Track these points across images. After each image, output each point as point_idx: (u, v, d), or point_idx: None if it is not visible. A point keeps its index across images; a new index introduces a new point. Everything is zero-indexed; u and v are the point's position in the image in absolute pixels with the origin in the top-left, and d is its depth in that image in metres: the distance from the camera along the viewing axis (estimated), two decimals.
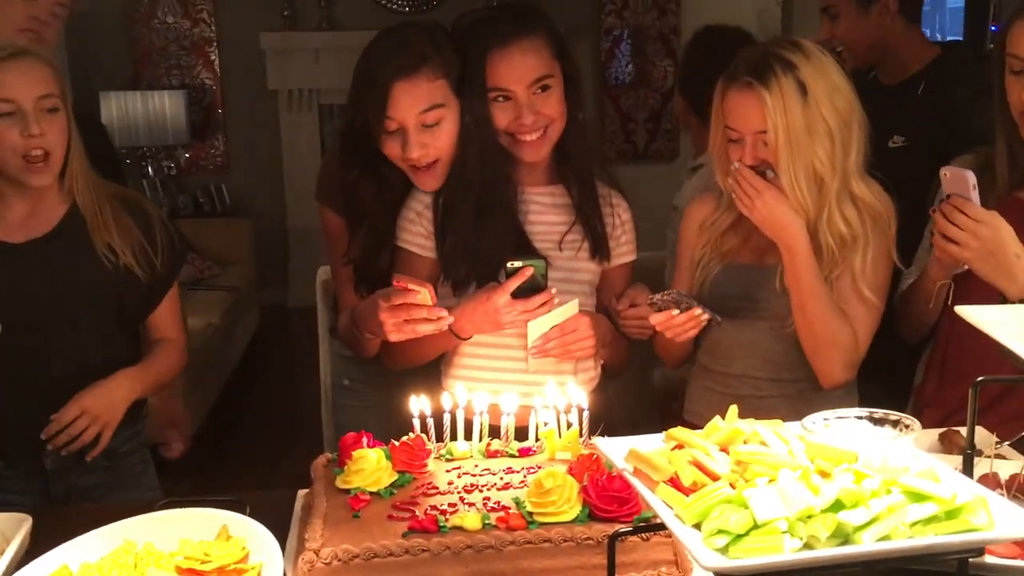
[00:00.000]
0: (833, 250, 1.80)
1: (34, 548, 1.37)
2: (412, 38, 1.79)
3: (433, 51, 1.77)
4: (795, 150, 1.73)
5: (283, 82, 6.16)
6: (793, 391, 1.90)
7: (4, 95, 1.72)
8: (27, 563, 1.30)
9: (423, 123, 1.77)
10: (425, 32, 1.82)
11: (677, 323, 1.76)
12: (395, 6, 6.17)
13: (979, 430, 1.41)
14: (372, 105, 1.76)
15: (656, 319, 1.77)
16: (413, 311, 1.68)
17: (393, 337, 1.72)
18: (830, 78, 1.77)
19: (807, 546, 0.96)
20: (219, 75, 6.27)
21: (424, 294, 1.67)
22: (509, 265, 1.70)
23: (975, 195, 1.67)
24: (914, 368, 2.11)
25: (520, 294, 1.71)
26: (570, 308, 1.81)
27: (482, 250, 1.79)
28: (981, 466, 1.41)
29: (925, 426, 1.62)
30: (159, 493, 2.05)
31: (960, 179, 1.68)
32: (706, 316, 1.75)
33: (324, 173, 2.01)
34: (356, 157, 1.86)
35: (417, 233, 1.85)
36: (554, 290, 1.73)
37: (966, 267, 1.74)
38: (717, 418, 1.17)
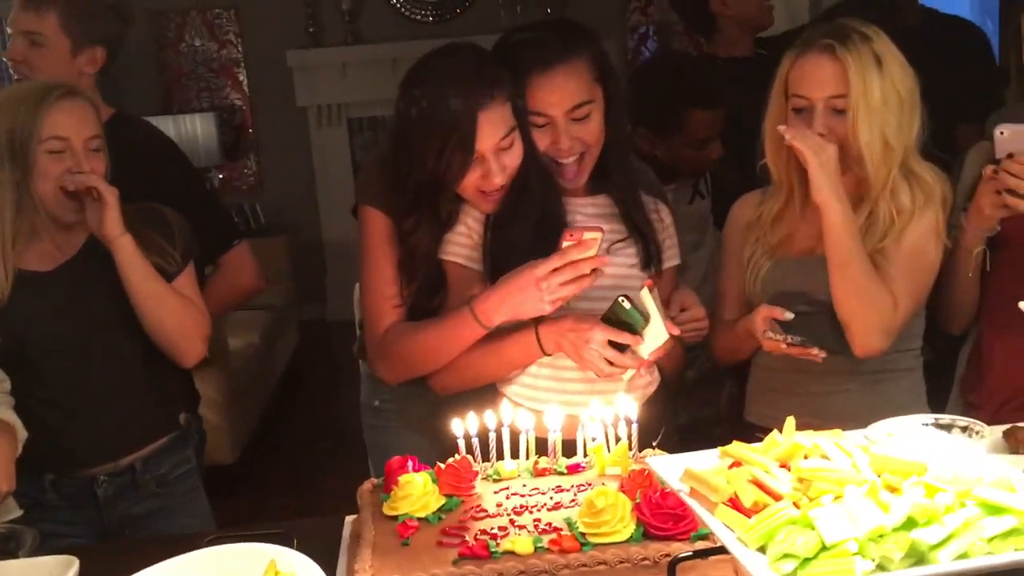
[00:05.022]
0: (892, 220, 1.79)
1: None
2: (482, 62, 1.72)
3: (500, 72, 1.71)
4: (872, 115, 1.74)
5: (311, 98, 6.18)
6: (859, 384, 1.86)
7: (57, 133, 1.78)
8: None
9: (501, 148, 1.71)
10: (484, 53, 1.76)
11: (791, 353, 1.77)
12: (419, 16, 6.16)
13: None
14: (459, 142, 1.67)
15: (769, 346, 1.78)
16: (581, 266, 1.62)
17: (551, 307, 1.65)
18: (899, 57, 1.79)
19: (880, 568, 0.91)
20: (248, 95, 6.30)
21: (598, 241, 1.63)
22: (621, 300, 1.65)
23: None
24: (952, 361, 2.08)
25: (612, 322, 1.66)
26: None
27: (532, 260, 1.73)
28: None
29: (976, 417, 1.58)
30: (210, 518, 2.07)
31: (1023, 136, 1.67)
32: (822, 355, 1.75)
33: (368, 175, 1.92)
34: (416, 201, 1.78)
35: (465, 246, 1.82)
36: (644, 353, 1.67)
37: (998, 228, 1.78)
38: (775, 432, 1.13)
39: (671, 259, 1.91)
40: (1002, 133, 1.70)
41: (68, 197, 1.81)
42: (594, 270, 1.65)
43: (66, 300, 1.86)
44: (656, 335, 1.66)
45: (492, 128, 1.68)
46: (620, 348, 1.66)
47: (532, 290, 1.64)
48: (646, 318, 1.66)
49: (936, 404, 1.96)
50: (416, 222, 1.78)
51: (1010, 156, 1.69)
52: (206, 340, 1.95)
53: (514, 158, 1.73)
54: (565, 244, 1.64)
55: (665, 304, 1.84)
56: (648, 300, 1.66)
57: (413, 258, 1.81)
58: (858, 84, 1.73)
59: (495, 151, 1.70)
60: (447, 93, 1.67)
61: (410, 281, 1.82)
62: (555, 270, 1.63)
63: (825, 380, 1.87)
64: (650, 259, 1.84)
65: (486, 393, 1.82)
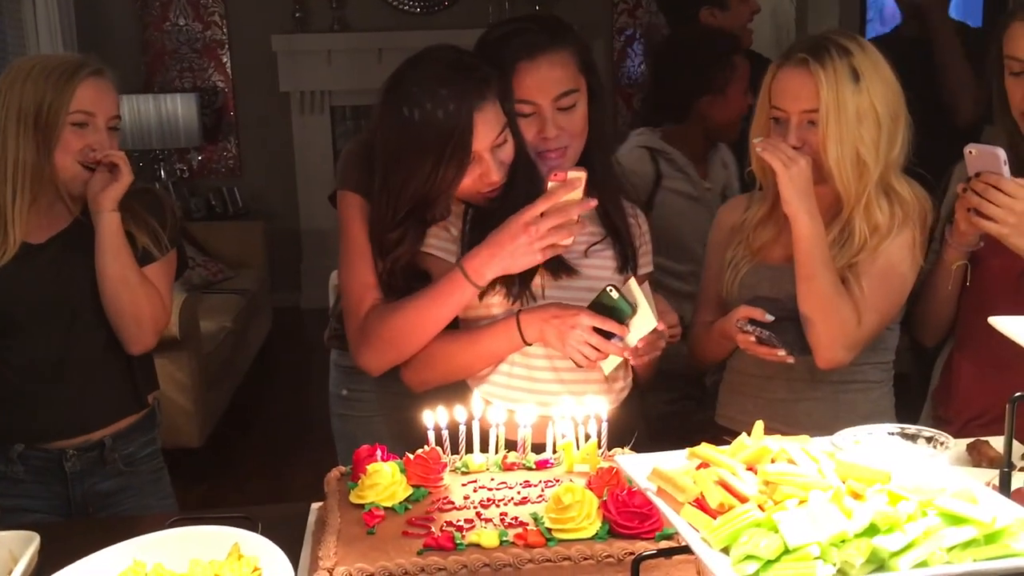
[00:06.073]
0: (866, 237, 1.79)
1: (42, 566, 1.34)
2: (468, 63, 1.70)
3: (488, 71, 1.70)
4: (843, 130, 1.73)
5: (295, 84, 6.15)
6: (827, 393, 1.88)
7: (85, 108, 1.81)
8: None
9: (496, 145, 1.70)
10: (467, 53, 1.74)
11: (759, 351, 1.78)
12: (406, 7, 6.14)
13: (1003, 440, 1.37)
14: (456, 146, 1.65)
15: (740, 340, 1.79)
16: (569, 210, 1.62)
17: (542, 255, 1.65)
18: (883, 72, 1.78)
19: (841, 573, 0.92)
20: (231, 77, 6.26)
21: (582, 180, 1.63)
22: (608, 289, 1.66)
23: (1006, 170, 1.68)
24: (926, 373, 2.10)
25: (599, 310, 1.66)
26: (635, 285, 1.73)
27: None
28: (1014, 479, 1.37)
29: (945, 431, 1.60)
30: (172, 500, 2.08)
31: (990, 156, 1.69)
32: (789, 359, 1.76)
33: (348, 160, 1.89)
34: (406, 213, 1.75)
35: (443, 239, 1.81)
36: (629, 337, 1.67)
37: (981, 244, 1.79)
38: (743, 436, 1.13)
39: (645, 266, 1.91)
40: (971, 152, 1.71)
41: (85, 169, 1.83)
42: (580, 221, 1.66)
43: (53, 271, 1.87)
44: (643, 325, 1.66)
45: (487, 128, 1.67)
46: (606, 337, 1.66)
47: (522, 238, 1.64)
48: (633, 308, 1.66)
49: (914, 417, 1.98)
50: (402, 233, 1.76)
51: (977, 175, 1.70)
52: (158, 332, 1.95)
53: (509, 153, 1.72)
54: (550, 185, 1.64)
55: None
56: (636, 290, 1.67)
57: (394, 270, 1.78)
58: (829, 99, 1.72)
59: (491, 149, 1.69)
60: (440, 99, 1.64)
61: (391, 293, 1.80)
62: (543, 215, 1.62)
63: (793, 387, 1.89)
64: (626, 262, 1.84)
65: (456, 386, 1.82)
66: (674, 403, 2.46)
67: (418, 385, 1.81)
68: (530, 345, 1.74)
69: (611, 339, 1.66)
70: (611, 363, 1.72)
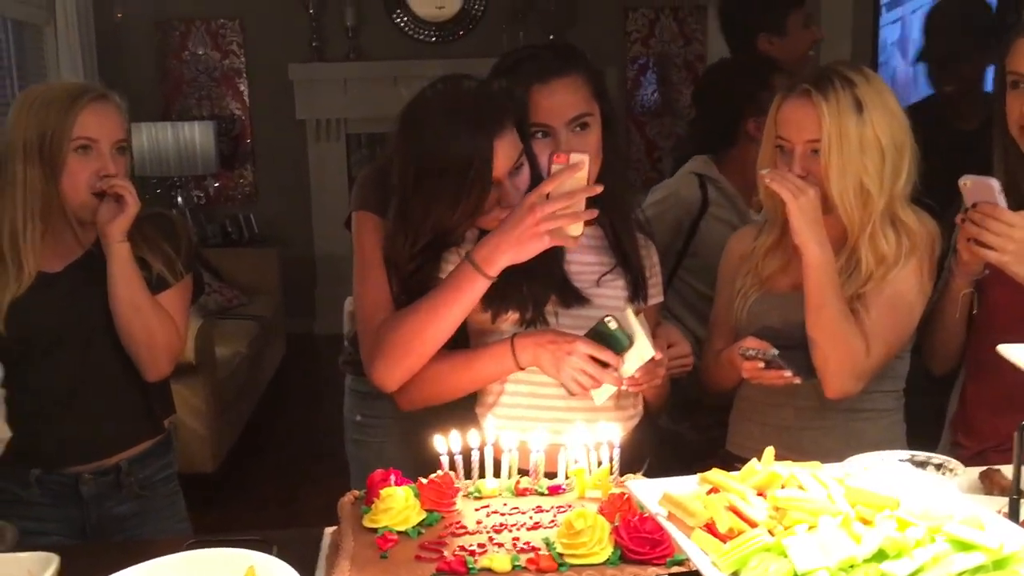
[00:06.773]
0: (872, 268, 1.80)
1: None
2: (486, 92, 1.72)
3: (506, 100, 1.71)
4: (846, 160, 1.75)
5: (311, 112, 6.22)
6: (836, 421, 1.88)
7: (87, 134, 1.83)
8: None
9: (514, 170, 1.71)
10: (483, 82, 1.76)
11: (765, 377, 1.78)
12: (422, 36, 6.21)
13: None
14: (478, 174, 1.64)
15: (746, 367, 1.78)
16: (576, 195, 1.62)
17: (550, 239, 1.63)
18: (887, 104, 1.79)
19: None
20: (248, 106, 6.34)
21: (585, 162, 1.64)
22: (607, 319, 1.66)
23: (1002, 199, 1.70)
24: (942, 400, 2.09)
25: (596, 339, 1.66)
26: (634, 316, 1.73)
27: (523, 286, 1.74)
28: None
29: (964, 458, 1.60)
30: (187, 523, 2.09)
31: (985, 186, 1.70)
32: (797, 379, 1.76)
33: (366, 183, 1.91)
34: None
35: (454, 263, 1.79)
36: (624, 368, 1.67)
37: (986, 272, 1.79)
38: (753, 461, 1.15)
39: (655, 296, 1.92)
40: (966, 184, 1.72)
41: (93, 197, 1.85)
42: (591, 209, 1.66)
43: (70, 299, 1.89)
44: (640, 355, 1.67)
45: (506, 156, 1.68)
46: (601, 366, 1.67)
47: (527, 219, 1.62)
48: (630, 340, 1.67)
49: (932, 445, 1.97)
50: (420, 263, 1.77)
51: (974, 206, 1.71)
52: (173, 360, 1.96)
53: (525, 178, 1.73)
54: (554, 168, 1.66)
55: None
56: (633, 321, 1.67)
57: (410, 293, 1.78)
58: (832, 129, 1.73)
59: (508, 175, 1.70)
60: (459, 129, 1.65)
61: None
62: (548, 198, 1.63)
63: (802, 415, 1.89)
64: (637, 291, 1.85)
65: (470, 411, 1.83)
66: (706, 430, 2.45)
67: (408, 405, 1.80)
68: (523, 370, 1.73)
69: (606, 368, 1.67)
70: (604, 393, 1.71)
